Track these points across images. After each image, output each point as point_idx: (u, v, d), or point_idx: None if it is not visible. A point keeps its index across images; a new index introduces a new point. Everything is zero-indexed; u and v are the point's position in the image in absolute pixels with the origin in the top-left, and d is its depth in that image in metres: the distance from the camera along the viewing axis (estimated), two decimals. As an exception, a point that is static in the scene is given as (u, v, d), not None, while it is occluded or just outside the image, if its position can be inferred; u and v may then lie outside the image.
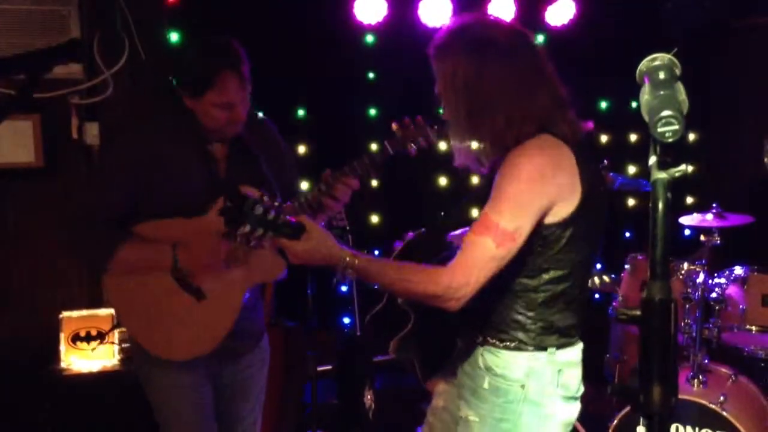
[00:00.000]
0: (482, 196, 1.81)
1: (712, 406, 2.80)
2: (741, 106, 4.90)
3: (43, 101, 3.26)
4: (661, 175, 0.96)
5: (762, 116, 4.63)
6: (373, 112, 4.39)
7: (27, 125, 3.39)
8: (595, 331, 3.86)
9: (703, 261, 3.01)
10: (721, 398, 2.84)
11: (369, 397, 3.45)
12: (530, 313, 1.79)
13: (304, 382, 3.59)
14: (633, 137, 5.03)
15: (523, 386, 1.80)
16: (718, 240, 2.99)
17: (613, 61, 4.44)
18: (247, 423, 2.42)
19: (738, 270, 3.16)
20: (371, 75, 4.34)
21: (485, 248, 1.66)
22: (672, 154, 0.97)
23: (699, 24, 4.61)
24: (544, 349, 1.80)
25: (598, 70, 4.39)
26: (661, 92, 0.97)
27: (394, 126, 2.19)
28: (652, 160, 0.97)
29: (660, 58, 1.04)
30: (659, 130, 0.95)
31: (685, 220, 3.30)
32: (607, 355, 3.74)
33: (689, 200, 4.97)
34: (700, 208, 3.63)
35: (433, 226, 2.29)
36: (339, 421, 3.65)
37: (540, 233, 1.73)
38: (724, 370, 3.19)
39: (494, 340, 1.83)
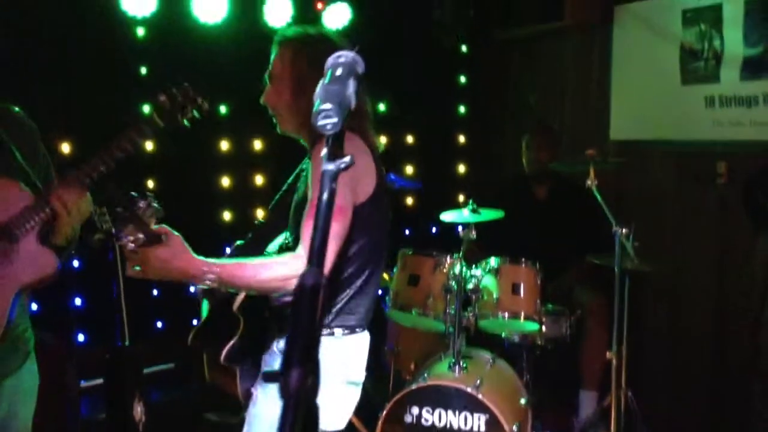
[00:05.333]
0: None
1: (469, 390, 2.99)
2: (504, 110, 5.32)
3: None
4: (330, 167, 0.98)
5: (521, 119, 5.06)
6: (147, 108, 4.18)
7: None
8: (374, 324, 4.02)
9: (460, 254, 3.20)
10: (477, 382, 3.04)
11: (139, 409, 3.27)
12: (331, 294, 1.93)
13: (66, 400, 3.33)
14: (410, 139, 5.26)
15: None
16: (474, 234, 3.20)
17: (389, 65, 4.62)
18: None
19: (492, 261, 3.40)
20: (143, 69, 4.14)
21: None
22: (341, 146, 1.00)
23: (465, 33, 4.94)
24: (332, 333, 1.95)
25: (374, 73, 4.52)
26: (332, 86, 1.01)
27: (161, 97, 2.10)
28: (324, 152, 0.99)
29: (344, 56, 1.09)
30: (319, 122, 0.98)
31: (445, 216, 3.48)
32: (384, 348, 3.89)
33: (461, 198, 5.28)
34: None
35: (256, 232, 2.30)
36: (105, 437, 3.44)
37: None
38: (484, 355, 3.43)
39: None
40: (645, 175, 4.42)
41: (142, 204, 1.76)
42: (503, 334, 3.53)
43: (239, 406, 4.29)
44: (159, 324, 4.41)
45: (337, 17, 4.48)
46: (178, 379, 4.28)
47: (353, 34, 4.39)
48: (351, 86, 1.03)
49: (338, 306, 1.97)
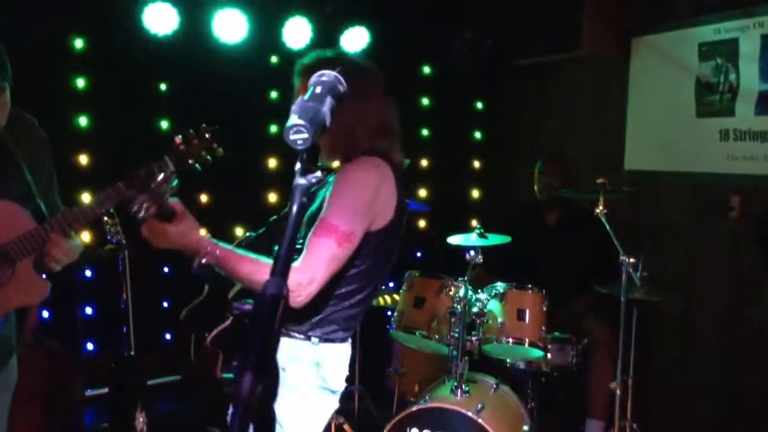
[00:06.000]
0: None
1: (470, 414, 2.96)
2: (520, 137, 5.33)
3: None
4: (302, 181, 1.01)
5: (537, 146, 5.06)
6: (165, 124, 4.27)
7: None
8: (379, 346, 4.02)
9: (466, 277, 3.20)
10: (479, 406, 3.02)
11: (141, 419, 3.29)
12: (318, 305, 1.92)
13: (71, 407, 3.37)
14: (424, 162, 5.29)
15: (284, 369, 1.94)
16: (480, 258, 3.20)
17: (403, 88, 4.67)
18: None
19: (498, 286, 3.39)
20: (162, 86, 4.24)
21: (328, 248, 1.82)
22: (314, 161, 1.03)
23: (484, 62, 4.98)
24: (309, 338, 1.97)
25: (391, 96, 4.57)
26: (308, 103, 1.04)
27: (176, 140, 2.11)
28: (298, 166, 1.02)
29: (327, 74, 1.11)
30: (290, 137, 1.01)
31: (452, 239, 3.49)
32: (389, 369, 3.88)
33: (474, 222, 5.28)
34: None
35: (270, 227, 2.33)
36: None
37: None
38: (488, 380, 3.41)
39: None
40: (658, 206, 4.40)
41: (159, 178, 1.82)
42: (507, 360, 3.51)
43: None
44: (167, 336, 4.44)
45: (355, 41, 4.55)
46: (184, 391, 4.29)
47: (371, 58, 4.44)
48: (327, 104, 1.06)
49: (318, 317, 1.98)
